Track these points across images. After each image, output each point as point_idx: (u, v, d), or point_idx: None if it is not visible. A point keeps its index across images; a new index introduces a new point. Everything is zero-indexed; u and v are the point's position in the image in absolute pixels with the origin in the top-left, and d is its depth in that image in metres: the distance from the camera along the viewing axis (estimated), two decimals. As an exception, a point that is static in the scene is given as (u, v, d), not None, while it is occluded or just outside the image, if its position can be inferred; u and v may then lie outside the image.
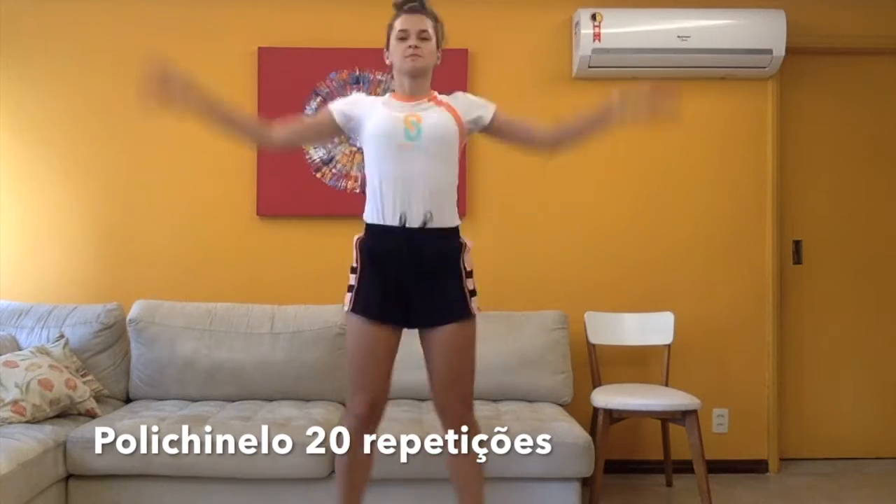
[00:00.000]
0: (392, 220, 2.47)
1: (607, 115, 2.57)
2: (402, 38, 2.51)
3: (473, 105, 2.61)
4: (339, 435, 2.58)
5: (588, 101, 4.07)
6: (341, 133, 2.65)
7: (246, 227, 4.09)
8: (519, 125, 2.63)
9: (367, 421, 2.53)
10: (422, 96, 2.55)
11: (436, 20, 2.59)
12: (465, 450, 2.56)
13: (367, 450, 2.58)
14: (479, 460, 2.58)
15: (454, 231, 2.55)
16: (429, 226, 2.47)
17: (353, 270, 2.56)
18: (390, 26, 2.57)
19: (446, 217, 2.52)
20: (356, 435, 2.54)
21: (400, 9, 2.56)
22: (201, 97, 2.54)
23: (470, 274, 2.55)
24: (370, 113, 2.55)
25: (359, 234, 2.58)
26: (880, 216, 4.33)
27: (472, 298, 2.55)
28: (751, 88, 4.16)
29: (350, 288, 2.56)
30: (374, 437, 2.59)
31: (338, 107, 2.61)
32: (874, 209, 4.33)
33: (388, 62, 2.61)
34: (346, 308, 2.56)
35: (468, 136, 2.64)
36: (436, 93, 2.59)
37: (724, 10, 3.98)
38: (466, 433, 2.55)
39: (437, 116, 2.51)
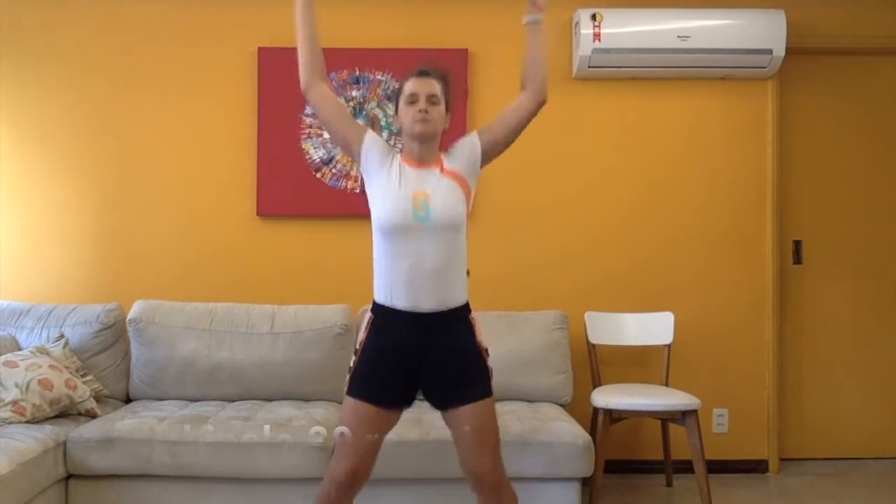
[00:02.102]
0: (401, 304, 2.45)
1: (532, 13, 2.56)
2: (412, 102, 2.49)
3: (465, 152, 2.56)
4: (315, 499, 2.51)
5: (588, 101, 4.13)
6: (350, 151, 2.59)
7: (246, 227, 4.09)
8: (503, 121, 2.58)
9: (347, 489, 2.48)
10: (430, 161, 2.52)
11: (446, 84, 2.57)
12: None
13: None
14: None
15: (464, 309, 2.53)
16: (439, 309, 2.45)
17: (356, 353, 2.52)
18: (399, 89, 2.55)
19: (456, 297, 2.49)
20: (335, 501, 2.48)
21: (410, 73, 2.54)
22: None
23: (487, 353, 2.54)
24: (382, 171, 2.51)
25: (368, 313, 2.54)
26: (880, 216, 4.33)
27: (491, 377, 2.53)
28: (751, 88, 4.16)
29: (349, 369, 2.52)
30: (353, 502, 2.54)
31: (370, 139, 2.55)
32: (874, 209, 4.33)
33: (397, 125, 2.60)
34: (345, 389, 2.52)
35: (477, 177, 2.59)
36: (443, 156, 2.55)
37: (724, 10, 3.98)
38: (501, 493, 2.50)
39: (444, 193, 2.47)
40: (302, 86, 2.57)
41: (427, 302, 2.44)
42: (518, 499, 2.55)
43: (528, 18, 2.58)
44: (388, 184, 2.50)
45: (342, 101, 4.05)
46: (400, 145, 2.63)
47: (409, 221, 2.43)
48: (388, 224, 2.45)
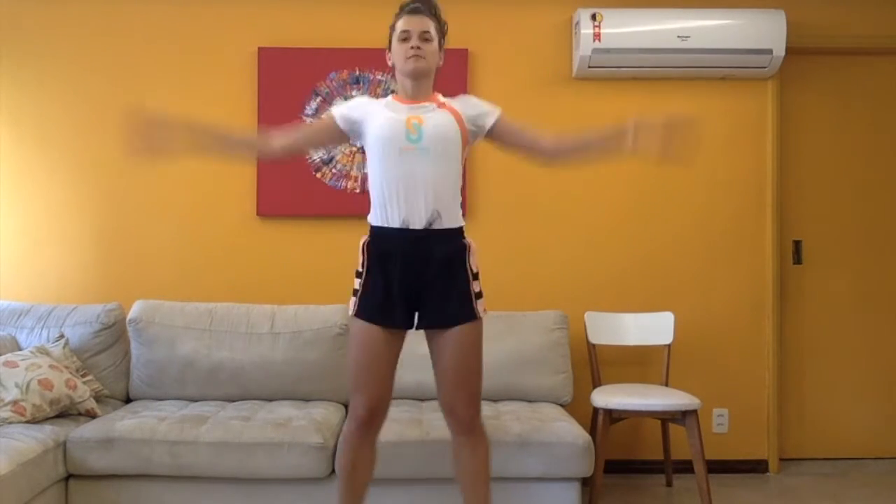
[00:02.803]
0: (396, 223, 2.47)
1: (618, 140, 2.49)
2: (404, 39, 2.49)
3: (477, 108, 2.59)
4: (342, 438, 2.58)
5: (588, 101, 4.13)
6: (344, 138, 2.63)
7: (246, 227, 4.09)
8: (523, 132, 2.61)
9: (368, 424, 2.52)
10: (424, 98, 2.53)
11: (439, 21, 2.57)
12: (471, 451, 2.55)
13: (368, 451, 2.58)
14: (485, 462, 2.57)
15: (459, 231, 2.55)
16: (434, 227, 2.47)
17: (358, 275, 2.55)
18: (392, 27, 2.55)
19: (450, 217, 2.51)
20: (357, 437, 2.54)
21: (402, 10, 2.54)
22: (190, 132, 2.53)
23: (476, 276, 2.55)
24: (372, 116, 2.53)
25: (364, 236, 2.58)
26: (880, 216, 4.33)
27: (478, 301, 2.56)
28: (751, 88, 4.16)
29: (354, 292, 2.55)
30: (376, 439, 2.58)
31: (340, 111, 2.59)
32: (874, 209, 4.33)
33: (389, 63, 2.60)
34: (350, 312, 2.55)
35: (472, 141, 2.61)
36: (439, 95, 2.58)
37: (724, 10, 3.98)
38: (473, 434, 2.54)
39: (438, 118, 2.50)
40: (271, 156, 2.69)
41: (421, 218, 2.45)
42: (490, 447, 2.58)
43: (625, 140, 2.49)
44: (379, 116, 2.50)
45: (342, 101, 4.05)
46: (395, 86, 2.63)
47: (401, 142, 2.45)
48: (382, 143, 2.46)
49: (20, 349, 3.55)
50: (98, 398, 3.56)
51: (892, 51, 4.26)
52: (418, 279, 2.48)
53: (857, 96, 4.32)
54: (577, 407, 3.74)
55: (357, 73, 4.06)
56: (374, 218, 2.54)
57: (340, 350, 3.67)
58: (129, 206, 4.09)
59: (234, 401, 3.64)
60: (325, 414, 3.40)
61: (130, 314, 3.72)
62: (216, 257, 4.08)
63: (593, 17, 3.92)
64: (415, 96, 2.52)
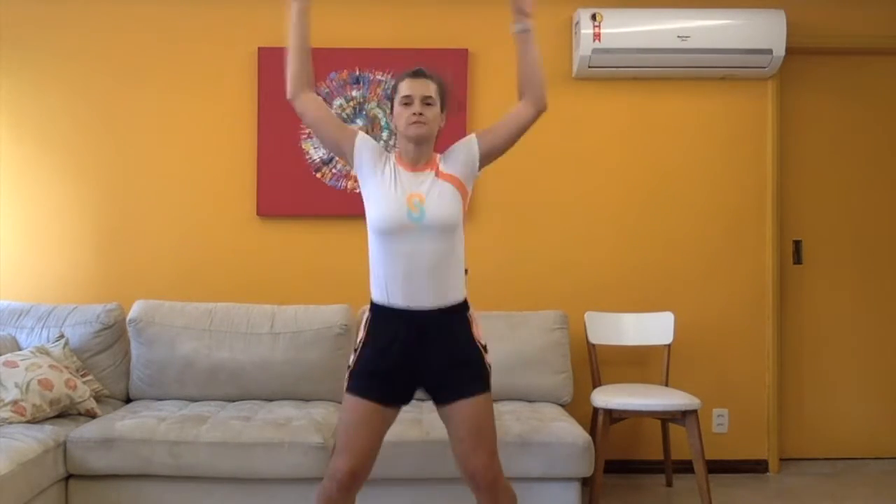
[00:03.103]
0: (398, 303, 2.45)
1: (515, 20, 2.55)
2: (406, 104, 2.49)
3: (463, 154, 2.55)
4: (316, 495, 2.51)
5: (588, 101, 4.13)
6: (341, 153, 2.59)
7: (246, 227, 4.09)
8: (503, 127, 2.57)
9: (347, 488, 2.47)
10: (425, 163, 2.51)
11: (440, 85, 2.55)
12: None
13: None
14: None
15: (463, 306, 2.53)
16: (436, 307, 2.45)
17: (354, 350, 2.53)
18: (395, 89, 2.55)
19: (453, 294, 2.49)
20: (335, 499, 2.48)
21: (405, 73, 2.54)
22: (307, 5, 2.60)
23: (485, 349, 2.54)
24: (376, 172, 2.50)
25: (366, 312, 2.55)
26: (880, 216, 4.33)
27: (489, 373, 2.54)
28: (751, 88, 4.16)
29: (349, 367, 2.52)
30: (354, 500, 2.53)
31: (362, 140, 2.55)
32: (874, 209, 4.33)
33: (392, 125, 2.60)
34: (344, 387, 2.52)
35: (473, 183, 2.58)
36: (437, 157, 2.54)
37: (724, 10, 3.98)
38: (497, 492, 2.50)
39: (438, 195, 2.46)
40: (288, 95, 2.57)
41: (424, 300, 2.44)
42: (517, 498, 2.54)
43: (518, 27, 2.55)
44: (382, 185, 2.49)
45: (341, 102, 4.05)
46: (397, 146, 2.62)
47: (403, 222, 2.43)
48: (383, 225, 2.45)
49: (20, 349, 3.55)
50: (98, 398, 3.56)
51: (892, 51, 4.26)
52: (421, 358, 2.46)
53: (857, 96, 4.32)
54: (577, 407, 3.74)
55: (357, 73, 4.06)
56: (377, 295, 2.51)
57: (340, 350, 3.67)
58: (129, 206, 4.09)
59: (234, 401, 3.64)
60: (325, 414, 3.40)
61: (130, 314, 3.72)
62: (216, 257, 4.08)
63: (593, 17, 3.92)
64: (416, 160, 2.50)
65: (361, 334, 2.53)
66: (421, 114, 2.46)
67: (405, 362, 2.46)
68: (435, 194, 2.46)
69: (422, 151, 2.51)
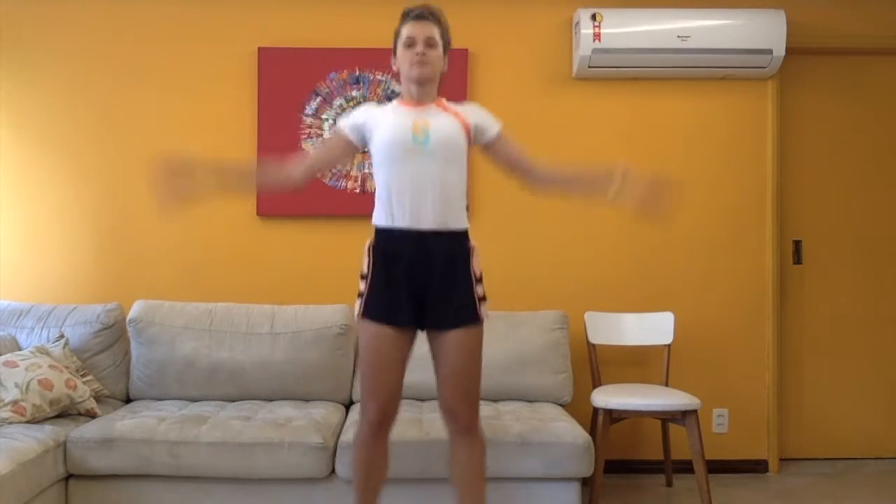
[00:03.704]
0: (403, 223, 2.48)
1: (603, 184, 2.56)
2: (409, 46, 2.52)
3: (481, 117, 2.63)
4: (355, 440, 2.59)
5: (588, 101, 4.12)
6: (356, 149, 2.64)
7: (246, 227, 4.09)
8: (517, 152, 2.65)
9: (380, 425, 2.55)
10: (429, 103, 2.56)
11: (443, 27, 2.59)
12: (469, 452, 2.56)
13: (382, 451, 2.60)
14: (481, 463, 2.58)
15: (464, 234, 2.57)
16: (438, 228, 2.48)
17: (363, 277, 2.56)
18: (397, 33, 2.57)
19: (456, 220, 2.53)
20: (370, 439, 2.56)
21: (407, 16, 2.57)
22: (214, 173, 2.57)
23: (480, 279, 2.58)
24: (378, 120, 2.56)
25: (369, 239, 2.59)
26: (880, 216, 4.33)
27: (481, 304, 2.57)
28: (751, 88, 4.16)
29: (360, 294, 2.55)
30: (388, 438, 2.60)
31: (347, 123, 2.62)
32: (874, 209, 4.33)
33: (395, 69, 2.62)
34: (356, 314, 2.55)
35: (473, 144, 2.64)
36: (444, 100, 2.60)
37: (724, 10, 3.98)
38: (471, 435, 2.55)
39: (444, 122, 2.53)
40: (292, 185, 2.65)
41: (427, 220, 2.48)
42: (486, 448, 2.60)
43: (609, 186, 2.56)
44: (387, 121, 2.54)
45: (341, 102, 4.05)
46: (401, 91, 2.64)
47: (408, 145, 2.47)
48: (389, 148, 2.49)
49: (20, 349, 3.55)
50: (98, 398, 3.56)
51: (892, 51, 4.26)
52: (423, 279, 2.49)
53: (857, 96, 4.32)
54: (577, 407, 3.74)
55: (357, 73, 4.06)
56: (380, 219, 2.55)
57: (340, 350, 3.67)
58: (129, 206, 4.09)
59: (234, 401, 3.64)
60: (325, 414, 3.40)
61: (130, 314, 3.72)
62: (216, 257, 4.08)
63: (593, 17, 3.92)
64: (420, 101, 2.55)
65: (366, 260, 2.55)
66: (424, 54, 2.50)
67: (411, 281, 2.49)
68: (440, 123, 2.52)
69: (425, 91, 2.55)
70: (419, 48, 2.50)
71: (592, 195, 2.64)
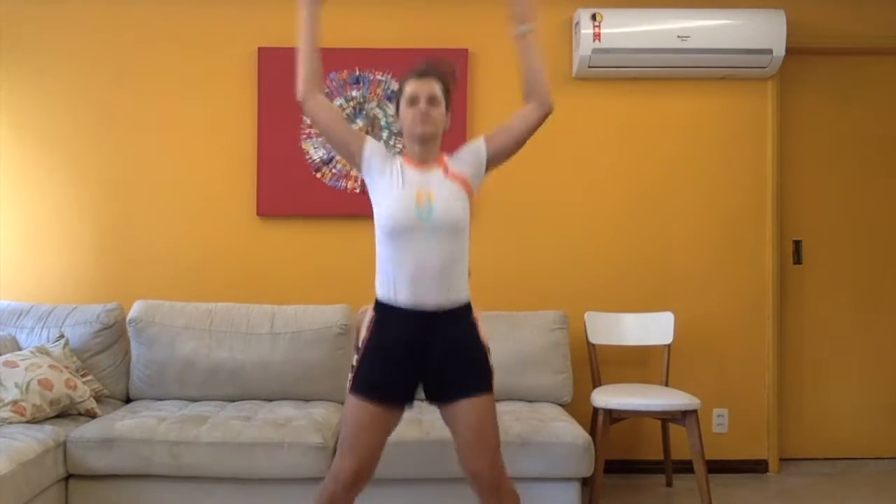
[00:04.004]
0: (404, 300, 2.45)
1: (515, 24, 2.54)
2: (412, 104, 2.50)
3: (471, 156, 2.57)
4: (318, 495, 2.52)
5: (588, 101, 4.13)
6: (351, 157, 2.59)
7: (246, 227, 4.09)
8: (509, 129, 2.58)
9: (350, 488, 2.49)
10: (432, 162, 2.53)
11: (445, 83, 2.57)
12: None
13: None
14: None
15: (467, 307, 2.54)
16: (441, 308, 2.46)
17: (357, 350, 2.53)
18: (400, 90, 2.56)
19: (459, 295, 2.50)
20: (337, 500, 2.49)
21: (411, 73, 2.55)
22: (318, 8, 2.59)
23: (489, 351, 2.55)
24: (385, 174, 2.52)
25: (369, 310, 2.55)
26: (880, 216, 4.33)
27: (492, 375, 2.54)
28: (751, 88, 4.16)
29: (352, 368, 2.52)
30: (355, 498, 2.53)
31: (372, 145, 2.56)
32: (874, 209, 4.33)
33: (398, 126, 2.62)
34: (347, 386, 2.52)
35: (480, 186, 2.61)
36: (445, 156, 2.57)
37: (724, 10, 3.98)
38: (500, 493, 2.49)
39: (447, 194, 2.48)
40: (299, 97, 2.57)
41: (430, 299, 2.44)
42: (520, 500, 2.54)
43: (518, 31, 2.54)
44: (390, 186, 2.50)
45: (341, 102, 4.05)
46: (401, 145, 2.64)
47: (412, 221, 2.44)
48: (392, 223, 2.46)
49: (20, 349, 3.55)
50: (98, 398, 3.56)
51: (892, 51, 4.26)
52: (424, 357, 2.47)
53: (857, 96, 4.32)
54: (577, 407, 3.73)
55: (357, 73, 4.06)
56: (382, 293, 2.51)
57: (340, 350, 3.67)
58: (129, 206, 4.09)
59: (234, 401, 3.64)
60: (325, 414, 3.40)
61: (130, 314, 3.72)
62: (216, 257, 4.08)
63: (593, 17, 3.92)
64: (423, 159, 2.52)
65: (364, 334, 2.52)
66: (427, 113, 2.48)
67: (409, 362, 2.46)
68: (444, 193, 2.47)
69: (428, 150, 2.53)
70: (422, 106, 2.48)
71: (524, 42, 2.54)
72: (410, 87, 2.52)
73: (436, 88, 2.52)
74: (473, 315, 2.55)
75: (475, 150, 2.58)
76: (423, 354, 2.46)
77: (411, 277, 2.44)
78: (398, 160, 2.55)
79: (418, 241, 2.44)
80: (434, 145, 2.54)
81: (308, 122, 4.04)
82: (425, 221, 2.43)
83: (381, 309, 2.51)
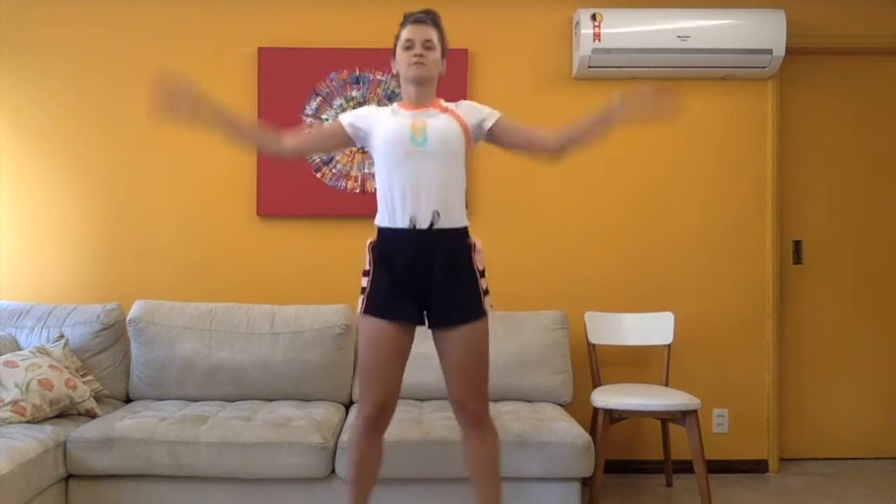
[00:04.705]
0: (402, 223, 2.53)
1: (609, 115, 2.61)
2: (408, 48, 2.59)
3: (477, 111, 2.68)
4: (350, 433, 2.61)
5: (588, 101, 4.12)
6: (351, 143, 2.72)
7: (246, 227, 4.09)
8: (522, 131, 2.70)
9: (376, 422, 2.57)
10: (428, 104, 2.62)
11: (441, 31, 2.66)
12: (479, 443, 2.58)
13: (376, 447, 2.62)
14: (494, 454, 2.60)
15: (463, 231, 2.61)
16: (437, 226, 2.51)
17: (366, 274, 2.60)
18: (396, 37, 2.64)
19: (455, 217, 2.57)
20: (365, 435, 2.59)
21: (406, 20, 2.63)
22: (210, 108, 2.61)
23: (482, 273, 2.61)
24: (378, 122, 2.63)
25: (371, 238, 2.63)
26: (880, 216, 4.33)
27: (485, 297, 2.61)
28: (751, 88, 4.16)
29: (362, 290, 2.60)
30: (383, 434, 2.62)
31: (347, 118, 2.68)
32: (874, 209, 4.33)
33: (394, 71, 2.69)
34: (359, 310, 2.60)
35: (475, 142, 2.70)
36: (441, 100, 2.66)
37: (724, 10, 3.98)
38: (482, 427, 2.57)
39: (442, 122, 2.58)
40: (277, 154, 2.72)
41: (426, 216, 2.51)
42: (499, 438, 2.63)
43: (615, 113, 2.60)
44: (386, 122, 2.60)
45: (341, 102, 4.05)
46: (401, 93, 2.68)
47: (406, 145, 2.53)
48: (388, 147, 2.55)
49: (20, 349, 3.55)
50: (98, 398, 3.56)
51: (892, 51, 4.26)
52: (425, 277, 2.53)
53: (857, 96, 4.32)
54: (577, 407, 3.74)
55: (357, 73, 4.06)
56: (381, 219, 2.60)
57: (340, 350, 3.67)
58: (130, 206, 4.09)
59: (234, 401, 3.64)
60: (325, 414, 3.40)
61: (130, 314, 3.72)
62: (216, 257, 4.08)
63: (593, 17, 3.92)
64: (419, 102, 2.61)
65: (369, 256, 2.59)
66: (422, 55, 2.56)
67: (412, 279, 2.53)
68: (439, 124, 2.56)
69: (424, 92, 2.61)
70: (417, 49, 2.56)
71: (605, 129, 2.63)
72: (406, 33, 2.61)
73: (431, 33, 2.61)
74: (470, 239, 2.61)
75: (486, 113, 2.66)
76: (423, 272, 2.52)
77: (409, 199, 2.51)
78: (392, 106, 2.65)
79: (414, 165, 2.52)
80: (430, 88, 2.63)
81: (308, 123, 4.04)
82: (420, 145, 2.52)
83: (381, 234, 2.58)
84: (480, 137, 2.69)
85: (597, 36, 3.91)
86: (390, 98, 4.02)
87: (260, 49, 4.05)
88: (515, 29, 4.13)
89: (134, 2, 4.08)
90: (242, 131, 2.74)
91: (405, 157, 2.52)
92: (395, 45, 2.64)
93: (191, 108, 2.55)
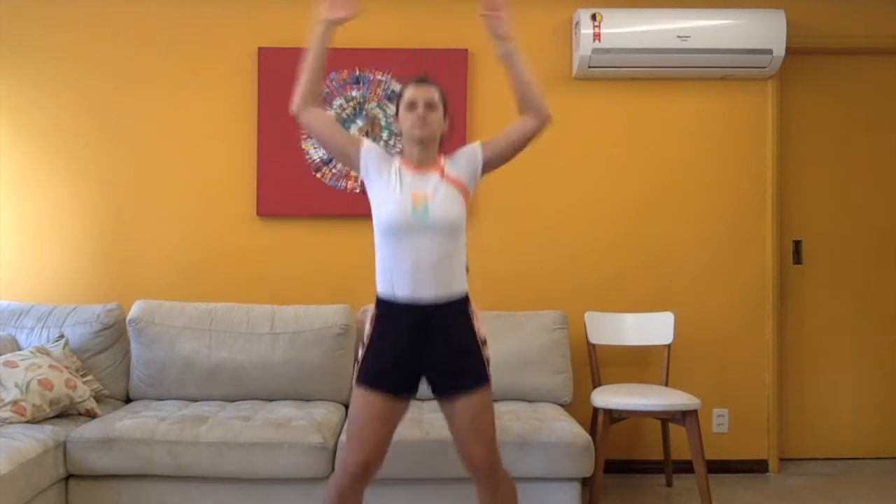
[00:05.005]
0: (403, 296, 2.52)
1: (498, 45, 2.65)
2: (411, 108, 2.59)
3: (471, 162, 2.63)
4: (331, 487, 2.56)
5: (588, 101, 4.13)
6: (350, 161, 2.68)
7: (246, 227, 4.09)
8: (502, 138, 2.66)
9: (359, 480, 2.54)
10: (429, 165, 2.60)
11: (442, 92, 2.66)
12: (492, 495, 2.56)
13: (356, 500, 2.58)
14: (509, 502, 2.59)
15: (465, 301, 2.59)
16: (438, 301, 2.51)
17: (362, 345, 2.60)
18: (399, 96, 2.65)
19: (456, 288, 2.56)
20: (348, 490, 2.55)
21: (409, 81, 2.64)
22: (335, 28, 2.69)
23: (485, 343, 2.60)
24: (382, 175, 2.60)
25: (371, 307, 2.61)
26: (880, 216, 4.33)
27: (488, 365, 2.60)
28: (751, 88, 4.16)
29: (357, 360, 2.60)
30: (364, 490, 2.59)
31: (368, 143, 2.67)
32: (874, 209, 4.33)
33: (397, 130, 2.71)
34: (353, 379, 2.59)
35: (474, 189, 2.67)
36: (442, 159, 2.63)
37: (724, 10, 3.98)
38: (495, 479, 2.55)
39: (443, 195, 2.55)
40: (293, 109, 2.65)
41: (428, 294, 2.51)
42: (515, 486, 2.62)
43: (503, 51, 2.63)
44: (387, 186, 2.59)
45: (341, 102, 4.05)
46: (400, 147, 2.68)
47: (408, 220, 2.51)
48: (388, 224, 2.54)
49: (20, 349, 3.55)
50: (98, 398, 3.56)
51: (892, 51, 4.26)
52: (426, 351, 2.52)
53: (857, 96, 4.32)
54: (577, 407, 3.74)
55: (357, 73, 4.06)
56: (381, 288, 2.58)
57: (340, 350, 3.67)
58: (129, 206, 4.09)
59: (234, 401, 3.64)
60: (325, 414, 3.40)
61: (130, 314, 3.72)
62: (216, 257, 4.08)
63: (593, 17, 3.92)
64: (420, 163, 2.60)
65: (369, 328, 2.59)
66: (424, 117, 2.57)
67: (411, 353, 2.53)
68: (440, 195, 2.55)
69: (426, 153, 2.60)
70: (420, 111, 2.56)
71: (508, 57, 2.66)
72: (409, 93, 2.61)
73: (434, 94, 2.61)
74: (471, 308, 2.60)
75: (472, 153, 2.65)
76: (423, 346, 2.52)
77: (409, 274, 2.51)
78: (396, 162, 2.63)
79: (415, 240, 2.51)
80: (432, 149, 2.62)
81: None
82: (421, 222, 2.51)
83: (382, 304, 2.57)
84: (478, 177, 2.66)
85: (597, 36, 3.91)
86: (389, 98, 4.02)
87: (260, 49, 4.05)
88: (515, 29, 4.07)
89: (134, 2, 4.08)
90: (323, 63, 2.68)
91: (406, 231, 2.50)
92: (398, 105, 2.64)
93: (346, 13, 2.70)
